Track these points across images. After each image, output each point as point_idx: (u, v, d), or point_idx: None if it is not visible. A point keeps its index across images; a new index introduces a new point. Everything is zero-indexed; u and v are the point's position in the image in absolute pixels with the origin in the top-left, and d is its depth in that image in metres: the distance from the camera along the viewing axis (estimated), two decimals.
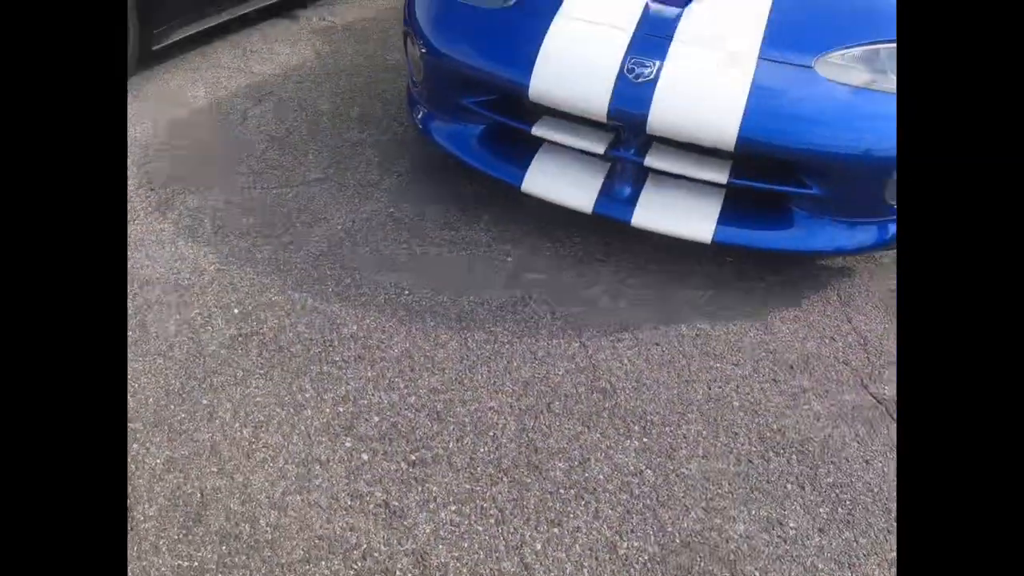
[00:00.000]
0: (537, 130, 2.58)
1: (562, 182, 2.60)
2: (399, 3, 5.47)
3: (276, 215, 2.74)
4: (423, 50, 2.76)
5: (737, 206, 2.58)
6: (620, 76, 2.41)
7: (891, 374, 2.40)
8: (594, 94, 2.41)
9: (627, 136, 2.51)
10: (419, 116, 2.98)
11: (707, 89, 2.40)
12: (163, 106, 3.58)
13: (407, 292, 2.41)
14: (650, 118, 2.38)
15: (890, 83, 2.48)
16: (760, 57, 2.45)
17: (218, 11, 4.35)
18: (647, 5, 2.59)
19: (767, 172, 2.50)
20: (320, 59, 4.30)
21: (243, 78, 3.95)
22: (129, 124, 3.28)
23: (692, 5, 2.60)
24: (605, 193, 2.56)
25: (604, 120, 2.44)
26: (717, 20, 2.56)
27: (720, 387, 2.24)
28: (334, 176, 3.01)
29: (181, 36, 4.11)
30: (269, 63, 4.19)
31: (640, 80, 2.39)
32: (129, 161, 3.02)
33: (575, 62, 2.47)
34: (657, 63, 2.42)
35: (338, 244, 2.60)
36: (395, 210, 2.82)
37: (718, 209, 2.54)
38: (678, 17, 2.55)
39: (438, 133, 2.86)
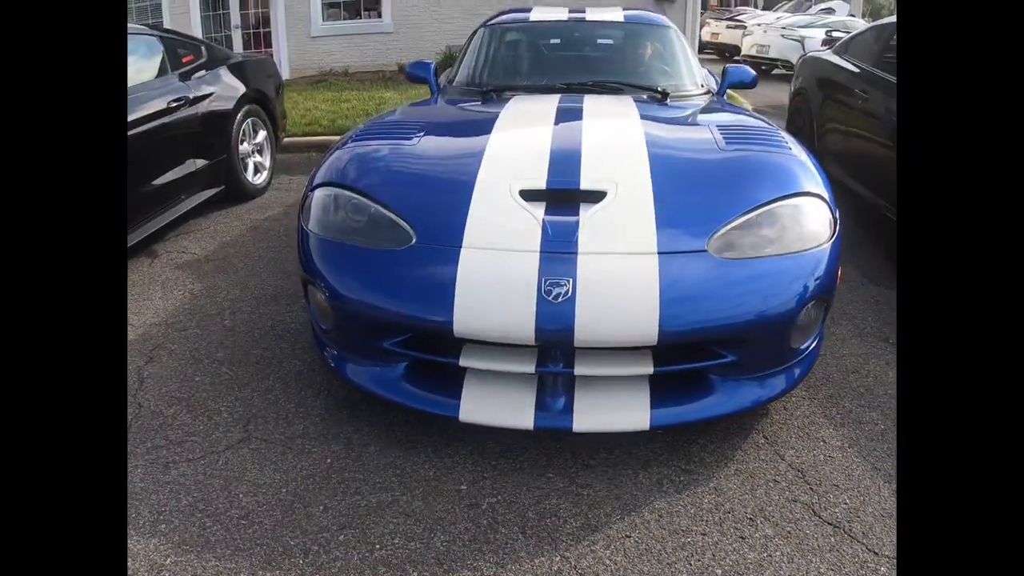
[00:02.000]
0: (465, 361, 2.64)
1: (499, 406, 2.64)
2: (255, 225, 5.58)
3: (213, 489, 2.67)
4: (329, 298, 2.79)
5: (662, 388, 2.71)
6: (539, 299, 2.49)
7: (835, 497, 2.59)
8: (519, 322, 2.49)
9: (554, 351, 2.59)
10: (331, 357, 3.00)
11: (622, 295, 2.53)
12: None
13: (378, 547, 2.39)
14: (576, 334, 2.48)
15: (772, 245, 2.74)
16: (659, 252, 2.62)
17: None
18: (543, 222, 2.71)
19: (685, 353, 2.67)
20: (196, 299, 4.28)
21: None
22: None
23: (583, 214, 2.75)
24: (541, 407, 2.62)
25: (532, 344, 2.52)
26: (611, 225, 2.72)
27: (699, 560, 2.33)
28: (256, 433, 2.98)
29: None
30: (146, 311, 4.13)
31: (559, 300, 2.49)
32: None
33: (493, 294, 2.54)
34: (570, 280, 2.52)
35: (290, 509, 2.55)
36: (332, 460, 2.80)
37: (647, 396, 2.67)
38: (575, 228, 2.68)
39: (357, 376, 2.87)
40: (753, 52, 16.51)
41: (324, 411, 3.11)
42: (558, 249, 2.62)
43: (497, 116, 3.61)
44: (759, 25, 17.52)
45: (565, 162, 3.03)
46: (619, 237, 2.69)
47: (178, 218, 5.34)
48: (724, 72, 4.77)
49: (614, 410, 2.65)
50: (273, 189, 6.53)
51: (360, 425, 3.00)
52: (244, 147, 6.11)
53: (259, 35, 14.28)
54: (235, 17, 14.55)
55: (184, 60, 5.71)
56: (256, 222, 5.70)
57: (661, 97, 4.19)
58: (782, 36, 15.93)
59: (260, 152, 6.41)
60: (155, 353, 3.66)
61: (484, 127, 3.44)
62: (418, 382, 2.77)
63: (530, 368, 2.60)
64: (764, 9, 30.10)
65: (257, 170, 6.36)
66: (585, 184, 2.89)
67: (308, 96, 10.36)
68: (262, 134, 6.39)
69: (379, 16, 13.86)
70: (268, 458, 2.82)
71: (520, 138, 3.34)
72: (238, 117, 5.94)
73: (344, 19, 14.08)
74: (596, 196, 2.84)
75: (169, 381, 3.39)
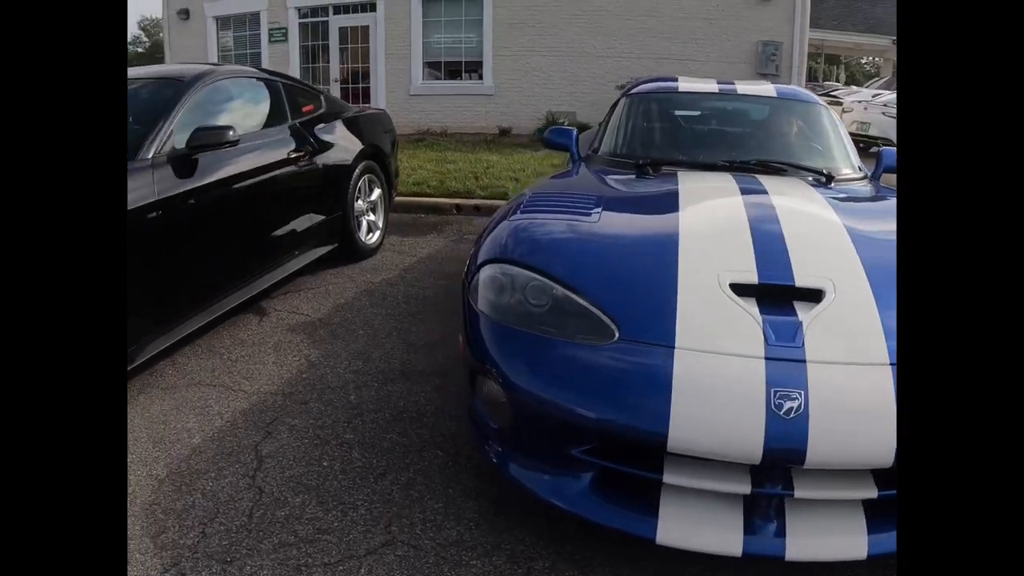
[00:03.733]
0: (670, 477, 2.26)
1: (702, 528, 2.25)
2: (369, 288, 5.28)
3: None
4: (509, 393, 2.44)
5: (876, 511, 2.31)
6: (768, 413, 2.15)
7: None
8: (746, 438, 2.13)
9: (773, 472, 2.23)
10: (494, 453, 2.62)
11: (859, 412, 2.19)
12: (153, 450, 3.13)
13: None
14: (808, 454, 2.12)
15: None
16: (892, 363, 2.27)
17: (187, 318, 4.01)
18: (764, 322, 2.36)
19: None
20: (313, 368, 3.97)
21: (236, 400, 3.57)
22: None
23: (802, 315, 2.40)
24: (749, 531, 2.24)
25: (757, 463, 2.16)
26: (836, 329, 2.37)
27: None
28: (402, 536, 2.59)
29: (154, 351, 3.74)
30: (259, 377, 3.83)
31: (791, 415, 2.14)
32: (132, 547, 2.54)
33: (717, 405, 2.19)
34: (802, 392, 2.18)
35: None
36: (494, 573, 2.42)
37: (863, 521, 2.28)
38: (797, 331, 2.34)
39: (529, 481, 2.48)
40: (853, 129, 15.97)
41: (478, 515, 2.71)
42: (785, 356, 2.27)
43: (676, 193, 3.27)
44: (859, 102, 17.06)
45: (772, 253, 2.66)
46: (847, 344, 2.34)
47: (287, 276, 5.08)
48: (879, 155, 4.41)
49: (830, 535, 2.26)
50: (384, 250, 6.26)
51: (523, 535, 2.59)
52: (359, 204, 5.86)
53: (358, 90, 14.35)
54: (335, 71, 14.68)
55: (304, 109, 5.53)
56: (370, 285, 5.41)
57: (825, 180, 3.83)
58: (883, 114, 15.42)
59: (374, 211, 6.16)
60: (273, 427, 3.33)
61: (667, 205, 3.11)
62: (606, 495, 2.38)
63: (745, 488, 2.22)
64: (846, 85, 29.75)
65: (370, 229, 6.10)
66: (800, 280, 2.53)
67: (411, 155, 10.22)
68: (377, 192, 6.14)
69: (480, 78, 13.81)
70: (419, 568, 2.44)
71: (713, 221, 2.99)
72: (355, 173, 5.70)
73: (444, 79, 14.07)
74: (813, 295, 2.48)
75: (293, 463, 3.04)
